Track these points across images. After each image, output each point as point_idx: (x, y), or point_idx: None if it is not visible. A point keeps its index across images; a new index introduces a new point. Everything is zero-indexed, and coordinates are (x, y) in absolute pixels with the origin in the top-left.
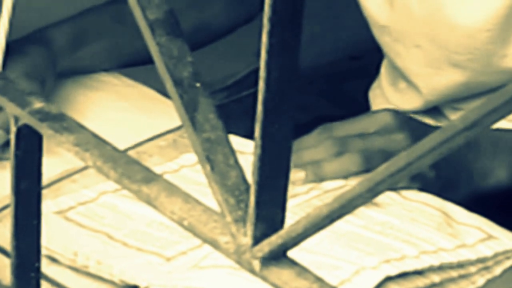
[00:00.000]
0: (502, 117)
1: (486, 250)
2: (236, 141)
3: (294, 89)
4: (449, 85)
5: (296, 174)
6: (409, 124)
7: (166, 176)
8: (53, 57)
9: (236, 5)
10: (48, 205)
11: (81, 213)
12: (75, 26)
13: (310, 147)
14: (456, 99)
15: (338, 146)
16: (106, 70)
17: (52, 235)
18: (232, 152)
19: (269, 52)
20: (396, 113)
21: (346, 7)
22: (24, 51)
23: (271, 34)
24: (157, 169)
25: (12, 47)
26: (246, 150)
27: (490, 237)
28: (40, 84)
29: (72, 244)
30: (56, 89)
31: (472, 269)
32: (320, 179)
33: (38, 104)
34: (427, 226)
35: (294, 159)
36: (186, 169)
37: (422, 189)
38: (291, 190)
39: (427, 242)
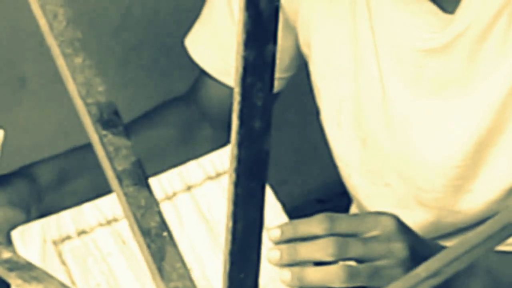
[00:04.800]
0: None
1: None
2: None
3: (260, 238)
4: (417, 225)
5: (282, 274)
6: (410, 235)
7: None
8: (38, 191)
9: (226, 143)
10: None
11: None
12: (60, 163)
13: (309, 238)
14: None
15: (337, 248)
16: None
17: None
18: None
19: (235, 203)
20: (399, 220)
21: (313, 152)
22: (9, 182)
23: (236, 185)
24: None
25: None
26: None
27: None
28: (25, 213)
29: None
30: None
31: None
32: (302, 284)
33: (6, 254)
34: None
35: (289, 250)
36: None
37: None
38: None
39: None
